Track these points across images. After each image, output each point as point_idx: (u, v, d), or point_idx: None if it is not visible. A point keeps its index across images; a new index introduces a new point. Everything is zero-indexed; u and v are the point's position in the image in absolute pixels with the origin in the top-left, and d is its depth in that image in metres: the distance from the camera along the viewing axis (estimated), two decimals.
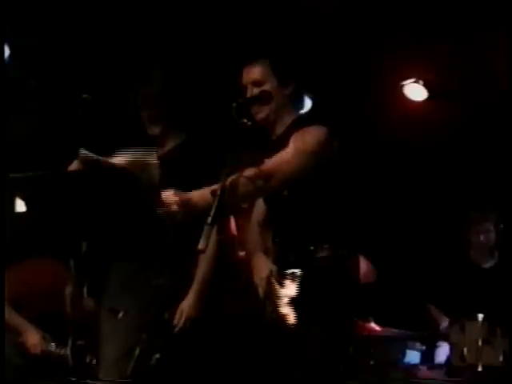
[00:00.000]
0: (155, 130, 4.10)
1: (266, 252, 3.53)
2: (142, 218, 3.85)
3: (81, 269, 3.65)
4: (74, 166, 3.70)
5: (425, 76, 6.21)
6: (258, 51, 3.77)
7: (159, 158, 4.12)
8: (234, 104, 3.38)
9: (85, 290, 3.83)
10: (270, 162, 3.38)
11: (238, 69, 3.67)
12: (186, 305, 3.92)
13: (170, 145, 4.15)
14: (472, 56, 5.71)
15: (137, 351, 3.72)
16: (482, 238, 5.71)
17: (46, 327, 5.10)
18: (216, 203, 3.15)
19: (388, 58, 5.80)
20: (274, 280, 3.39)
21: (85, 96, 3.88)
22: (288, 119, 3.62)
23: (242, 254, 3.63)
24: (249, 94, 3.59)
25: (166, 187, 3.86)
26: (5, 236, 3.92)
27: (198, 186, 3.58)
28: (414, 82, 6.29)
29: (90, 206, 3.65)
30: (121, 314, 3.90)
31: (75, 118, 3.75)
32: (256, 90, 3.57)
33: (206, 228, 3.08)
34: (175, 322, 3.90)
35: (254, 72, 3.60)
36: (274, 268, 3.42)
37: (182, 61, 5.39)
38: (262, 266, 3.49)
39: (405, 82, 6.32)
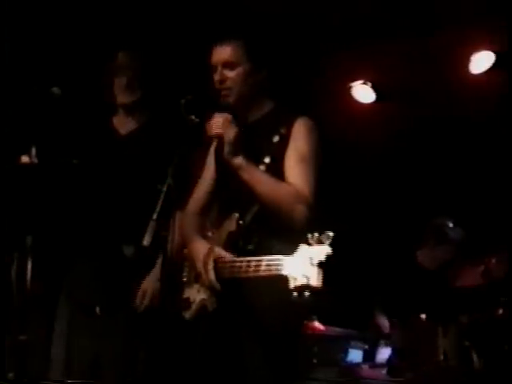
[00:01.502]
0: (128, 98, 4.01)
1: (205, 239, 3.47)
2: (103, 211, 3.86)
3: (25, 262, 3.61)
4: (26, 159, 3.67)
5: (373, 78, 6.26)
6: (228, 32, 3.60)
7: (123, 136, 4.08)
8: (182, 100, 3.32)
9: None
10: (297, 181, 3.36)
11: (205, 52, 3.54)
12: (149, 285, 3.82)
13: (132, 125, 4.09)
14: (421, 58, 5.76)
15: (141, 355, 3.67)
16: (441, 249, 5.75)
17: None
18: (162, 199, 3.14)
19: (336, 59, 5.83)
20: (216, 262, 3.30)
21: (56, 90, 3.82)
22: (264, 106, 3.55)
23: (186, 250, 3.58)
24: (218, 76, 3.45)
25: (124, 169, 3.85)
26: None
27: (153, 171, 3.58)
28: (363, 83, 6.33)
29: (40, 199, 3.63)
30: (98, 311, 3.85)
31: (31, 106, 3.70)
32: (227, 72, 3.44)
33: (150, 223, 3.07)
34: (138, 302, 3.80)
35: (226, 52, 3.45)
36: (218, 249, 3.32)
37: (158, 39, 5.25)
38: (203, 250, 3.37)
39: (353, 84, 6.36)
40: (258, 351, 3.29)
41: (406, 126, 6.27)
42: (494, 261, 5.23)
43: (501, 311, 5.09)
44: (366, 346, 5.65)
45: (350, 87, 6.36)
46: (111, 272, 3.86)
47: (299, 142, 3.40)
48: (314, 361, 5.46)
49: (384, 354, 5.45)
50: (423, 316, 5.14)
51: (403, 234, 6.04)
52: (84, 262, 3.96)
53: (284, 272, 2.97)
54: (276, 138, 3.40)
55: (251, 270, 3.14)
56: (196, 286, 3.40)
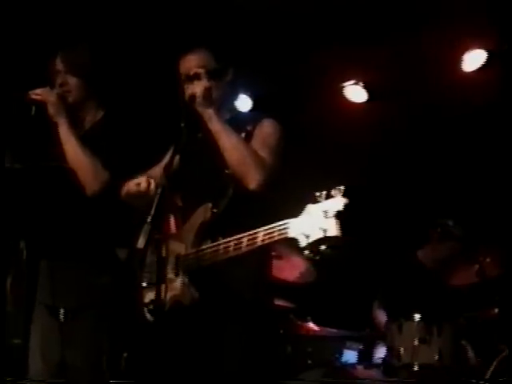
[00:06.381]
0: (69, 98, 3.91)
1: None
2: (80, 214, 3.81)
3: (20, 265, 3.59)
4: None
5: (365, 78, 6.26)
6: (193, 40, 3.69)
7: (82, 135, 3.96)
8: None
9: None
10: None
11: (170, 56, 3.59)
12: None
13: (89, 121, 4.01)
14: (413, 57, 5.76)
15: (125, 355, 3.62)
16: (445, 246, 5.75)
17: None
18: (156, 201, 3.12)
19: (328, 59, 5.83)
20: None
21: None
22: (233, 109, 3.69)
23: None
24: (194, 86, 3.49)
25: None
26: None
27: (125, 163, 3.60)
28: (354, 83, 6.33)
29: (27, 203, 3.60)
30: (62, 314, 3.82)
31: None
32: (197, 81, 3.49)
33: (145, 226, 3.04)
34: None
35: (195, 60, 3.53)
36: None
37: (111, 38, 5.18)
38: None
39: (345, 84, 6.36)
40: (239, 336, 3.27)
41: (397, 125, 6.28)
42: (488, 260, 5.24)
43: (496, 310, 5.10)
44: (361, 347, 5.64)
45: (343, 87, 6.35)
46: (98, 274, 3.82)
47: (262, 133, 3.48)
48: (309, 361, 5.45)
49: (381, 354, 5.44)
50: (417, 315, 5.13)
51: (402, 232, 6.03)
52: (49, 263, 3.91)
53: (291, 234, 2.93)
54: (242, 135, 3.47)
55: (244, 245, 3.10)
56: (162, 286, 3.35)
